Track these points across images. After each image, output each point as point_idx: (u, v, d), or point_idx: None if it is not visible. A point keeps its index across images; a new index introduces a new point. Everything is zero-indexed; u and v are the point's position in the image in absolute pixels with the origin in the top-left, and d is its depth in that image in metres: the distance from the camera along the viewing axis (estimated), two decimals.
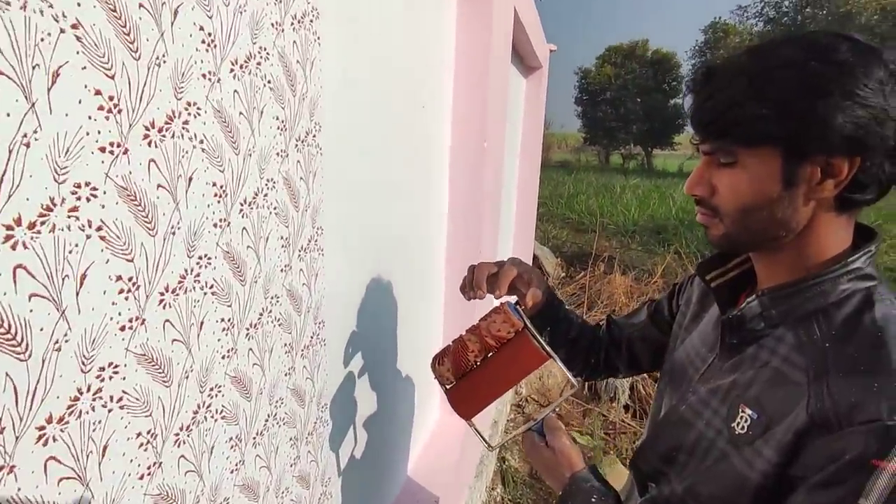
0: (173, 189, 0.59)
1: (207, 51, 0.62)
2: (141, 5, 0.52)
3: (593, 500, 0.76)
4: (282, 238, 0.82)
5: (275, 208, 0.79)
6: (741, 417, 0.63)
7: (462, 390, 0.87)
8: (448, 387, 0.89)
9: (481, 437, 0.87)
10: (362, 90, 1.11)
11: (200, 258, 0.65)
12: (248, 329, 0.76)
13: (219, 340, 0.70)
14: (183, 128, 0.60)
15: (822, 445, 0.55)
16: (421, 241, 1.70)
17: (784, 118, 0.57)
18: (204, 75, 0.62)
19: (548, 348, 0.82)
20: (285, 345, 0.87)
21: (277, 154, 0.79)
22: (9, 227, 0.43)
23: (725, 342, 0.71)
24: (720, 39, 25.31)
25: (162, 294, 0.60)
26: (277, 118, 0.78)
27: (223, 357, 0.71)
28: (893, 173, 0.59)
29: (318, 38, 0.87)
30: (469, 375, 0.87)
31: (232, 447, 0.76)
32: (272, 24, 0.74)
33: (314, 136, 0.88)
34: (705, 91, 0.64)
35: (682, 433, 0.73)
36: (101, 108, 0.49)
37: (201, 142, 0.63)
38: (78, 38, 0.47)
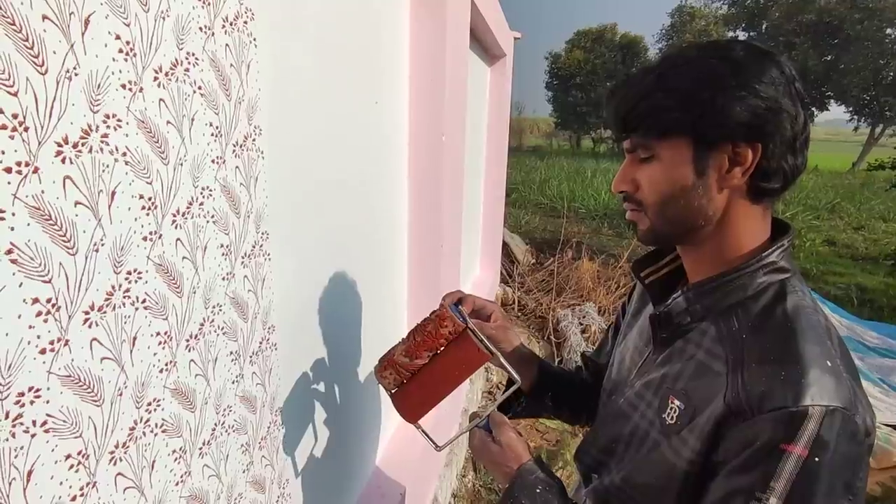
0: (94, 205, 0.58)
1: (126, 60, 0.60)
2: (45, 17, 0.50)
3: (538, 490, 0.78)
4: (222, 246, 0.81)
5: (212, 216, 0.78)
6: (670, 408, 0.67)
7: (407, 394, 0.88)
8: (393, 391, 0.89)
9: (428, 437, 0.88)
10: (308, 90, 1.09)
11: (129, 273, 0.63)
12: (188, 340, 0.75)
13: (154, 354, 0.69)
14: (102, 141, 0.58)
15: (738, 432, 0.59)
16: (380, 237, 1.70)
17: (687, 108, 0.62)
18: (124, 85, 0.60)
19: (490, 346, 0.84)
20: (231, 353, 0.86)
21: (213, 161, 0.77)
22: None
23: (657, 337, 0.74)
24: (686, 23, 25.63)
25: (87, 313, 0.58)
26: (211, 125, 0.76)
27: (161, 371, 0.70)
28: (795, 165, 0.64)
29: (254, 39, 0.85)
30: (413, 378, 0.88)
31: (176, 459, 0.75)
32: (200, 29, 0.72)
33: (254, 139, 0.87)
34: (620, 91, 0.68)
35: (620, 425, 0.76)
36: (2, 126, 0.47)
37: (124, 154, 0.61)
38: None
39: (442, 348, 0.86)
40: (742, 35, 25.54)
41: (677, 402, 0.66)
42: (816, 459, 0.54)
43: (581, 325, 4.47)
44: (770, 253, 0.65)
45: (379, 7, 1.50)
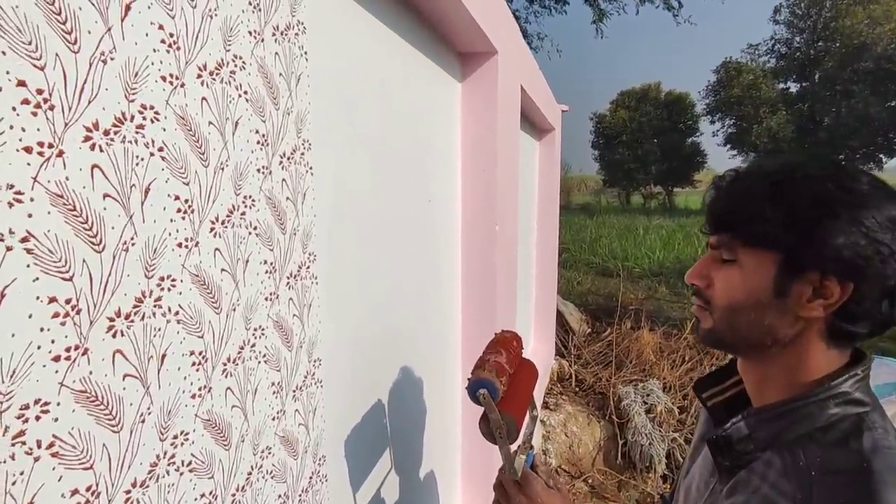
0: (125, 199, 0.52)
1: (168, 52, 0.57)
2: None
3: None
4: (265, 262, 0.74)
5: (255, 228, 0.72)
6: None
7: (512, 396, 0.92)
8: (503, 389, 0.90)
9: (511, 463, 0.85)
10: (364, 188, 1.07)
11: (162, 279, 0.57)
12: (224, 364, 0.67)
13: (185, 378, 0.61)
14: (137, 132, 0.53)
15: None
16: (434, 326, 1.62)
17: (786, 226, 0.57)
18: (164, 77, 0.57)
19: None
20: (273, 384, 0.77)
21: (258, 170, 0.72)
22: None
23: (719, 464, 0.66)
24: (733, 78, 25.46)
25: (111, 320, 0.51)
26: (257, 132, 0.71)
27: (193, 396, 0.62)
28: (891, 314, 0.57)
29: (305, 52, 0.82)
30: (511, 383, 0.94)
31: None
32: (249, 33, 0.69)
33: (302, 153, 0.82)
34: (727, 188, 0.65)
35: None
36: (25, 101, 0.43)
37: (161, 149, 0.56)
38: None
39: (519, 364, 1.00)
40: (794, 86, 25.03)
41: None
42: None
43: (645, 403, 4.12)
44: (842, 382, 0.58)
45: (432, 111, 1.52)
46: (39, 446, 0.45)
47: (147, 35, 0.54)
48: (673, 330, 5.62)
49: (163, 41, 0.56)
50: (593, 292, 8.43)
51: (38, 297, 0.45)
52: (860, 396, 0.58)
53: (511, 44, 1.90)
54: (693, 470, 0.77)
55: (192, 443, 0.62)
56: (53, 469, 0.46)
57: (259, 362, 0.74)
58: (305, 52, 0.82)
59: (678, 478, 0.91)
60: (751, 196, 0.61)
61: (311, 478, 0.90)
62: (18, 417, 0.43)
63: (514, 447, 0.87)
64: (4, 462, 0.42)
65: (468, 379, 0.88)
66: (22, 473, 0.44)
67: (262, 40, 0.72)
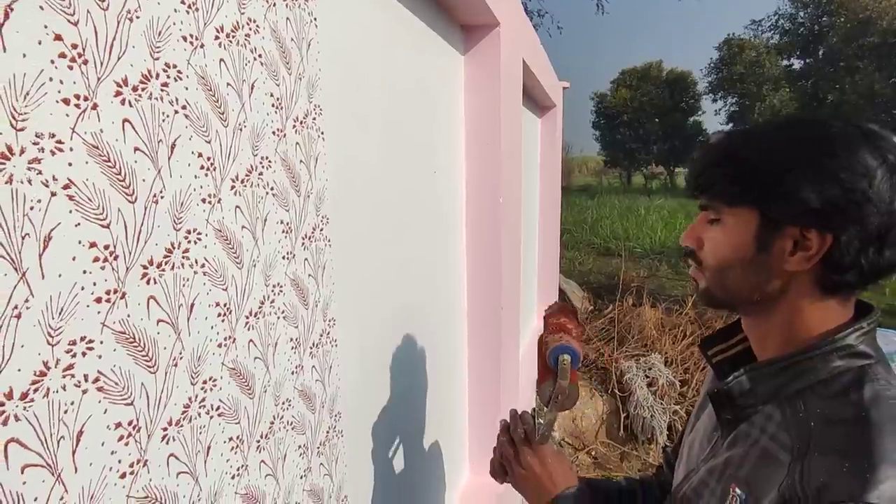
0: (153, 153, 0.55)
1: (188, 13, 0.59)
2: None
3: None
4: (282, 222, 0.77)
5: (272, 189, 0.75)
6: (731, 497, 0.61)
7: None
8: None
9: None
10: (372, 154, 1.08)
11: (189, 232, 0.60)
12: (247, 318, 0.71)
13: (212, 327, 0.64)
14: (162, 90, 0.56)
15: None
16: (439, 303, 1.65)
17: (754, 183, 0.59)
18: (185, 37, 0.59)
19: None
20: (291, 339, 0.81)
21: (273, 133, 0.75)
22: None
23: (720, 417, 0.68)
24: (736, 55, 25.15)
25: (145, 268, 0.55)
26: (272, 95, 0.74)
27: (219, 345, 0.66)
28: (879, 261, 0.57)
29: (315, 18, 0.84)
30: None
31: (232, 449, 0.69)
32: None
33: (314, 118, 0.84)
34: (702, 150, 0.67)
35: None
36: (62, 55, 0.46)
37: (184, 107, 0.59)
38: None
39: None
40: (797, 62, 24.73)
41: (738, 491, 0.60)
42: None
43: (647, 377, 4.19)
44: (846, 335, 0.59)
45: (435, 83, 1.54)
46: (87, 380, 0.49)
47: None
48: (674, 306, 5.68)
49: (182, 2, 0.58)
50: (595, 272, 8.49)
51: (80, 242, 0.48)
52: (864, 349, 0.59)
53: (513, 16, 1.90)
54: (697, 426, 0.80)
55: (220, 389, 0.66)
56: (99, 402, 0.50)
57: (278, 318, 0.77)
58: (315, 19, 0.84)
59: (682, 432, 0.95)
60: (718, 157, 0.63)
61: (328, 432, 0.94)
62: (67, 352, 0.47)
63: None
64: (57, 392, 0.46)
65: (547, 338, 0.87)
66: (72, 403, 0.47)
67: (274, 5, 0.74)
